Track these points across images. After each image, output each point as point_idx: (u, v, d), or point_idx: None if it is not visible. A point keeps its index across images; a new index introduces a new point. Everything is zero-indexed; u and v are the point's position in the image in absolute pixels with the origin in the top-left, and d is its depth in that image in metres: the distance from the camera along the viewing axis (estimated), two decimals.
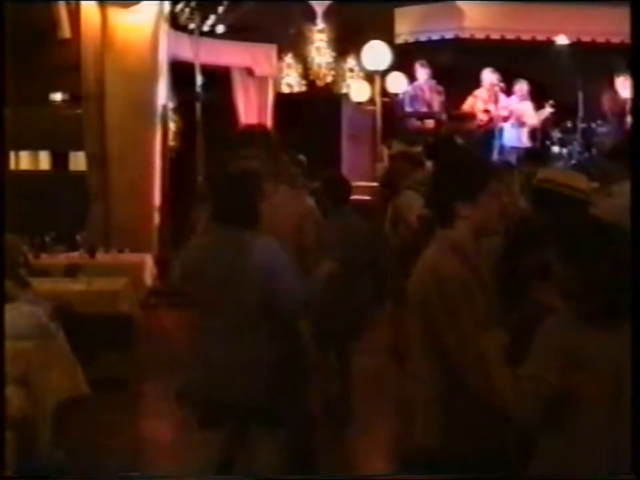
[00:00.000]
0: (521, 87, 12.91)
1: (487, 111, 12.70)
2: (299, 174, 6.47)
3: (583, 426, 3.00)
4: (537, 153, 11.33)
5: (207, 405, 4.44)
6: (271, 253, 4.32)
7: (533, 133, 12.99)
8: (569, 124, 12.95)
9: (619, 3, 13.40)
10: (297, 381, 4.56)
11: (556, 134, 12.99)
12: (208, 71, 11.99)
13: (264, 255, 4.28)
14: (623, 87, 12.55)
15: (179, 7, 11.67)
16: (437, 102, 13.06)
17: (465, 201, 3.25)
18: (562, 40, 13.23)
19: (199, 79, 11.63)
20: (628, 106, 12.52)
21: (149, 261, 9.83)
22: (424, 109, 13.10)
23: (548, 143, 12.97)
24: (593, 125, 12.93)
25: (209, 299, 4.36)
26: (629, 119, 12.48)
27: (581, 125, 12.82)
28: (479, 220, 3.29)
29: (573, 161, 12.65)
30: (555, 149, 12.91)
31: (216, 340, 4.34)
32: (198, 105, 11.62)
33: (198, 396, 4.45)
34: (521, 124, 12.83)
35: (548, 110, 12.82)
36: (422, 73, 13.09)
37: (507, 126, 12.84)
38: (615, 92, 12.68)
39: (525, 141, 12.87)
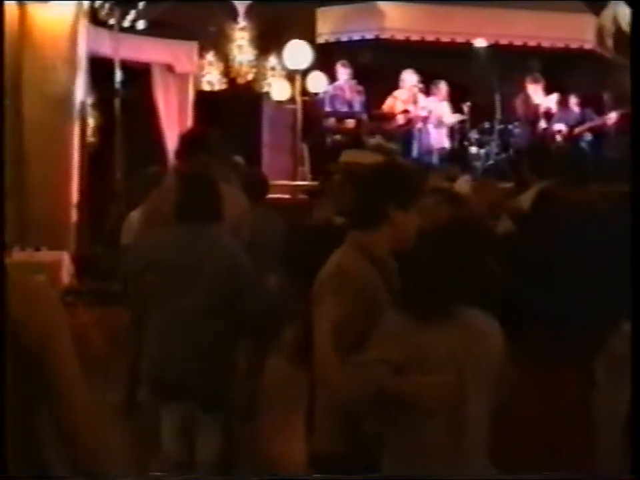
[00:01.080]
0: (440, 87, 13.04)
1: (406, 112, 12.80)
2: (236, 174, 6.49)
3: (427, 424, 2.97)
4: (456, 154, 11.48)
5: (164, 385, 4.69)
6: (236, 246, 4.73)
7: (452, 134, 13.15)
8: (486, 125, 13.13)
9: (537, 7, 13.80)
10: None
11: (474, 135, 13.17)
12: (128, 67, 11.88)
13: (231, 247, 4.67)
14: (535, 91, 12.79)
15: (99, 2, 11.54)
16: (357, 102, 13.11)
17: (398, 208, 3.27)
18: (480, 42, 13.43)
19: (119, 75, 11.51)
20: (541, 110, 12.78)
21: (66, 258, 9.70)
22: (344, 109, 13.13)
23: (466, 143, 13.13)
24: (510, 126, 13.14)
25: (175, 286, 4.57)
26: (542, 123, 12.74)
27: (497, 126, 13.00)
28: (401, 230, 3.30)
29: (491, 162, 12.85)
30: (473, 149, 13.08)
31: (177, 325, 4.59)
32: (117, 101, 11.51)
33: (157, 376, 4.73)
34: (441, 124, 12.97)
35: (465, 111, 12.99)
36: (343, 72, 13.13)
37: (429, 126, 12.96)
38: (528, 95, 12.88)
39: (445, 142, 13.01)
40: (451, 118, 13.00)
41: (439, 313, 3.01)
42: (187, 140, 5.76)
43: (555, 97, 12.95)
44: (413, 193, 3.35)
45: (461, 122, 13.14)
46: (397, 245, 3.29)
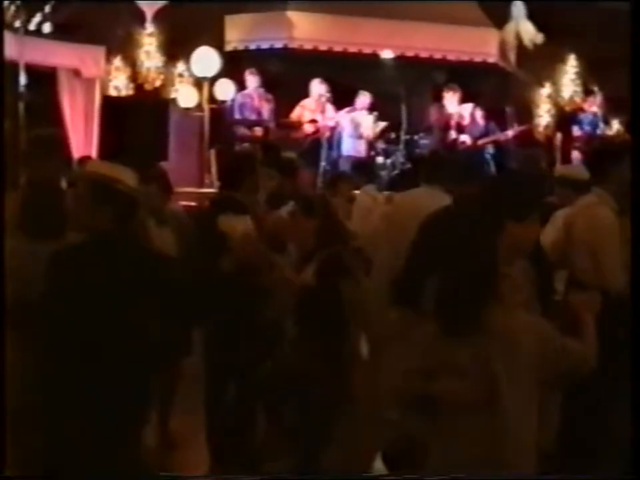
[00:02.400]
0: (363, 98, 13.15)
1: (313, 121, 12.89)
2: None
3: (461, 429, 3.19)
4: (362, 164, 11.58)
5: None
6: None
7: (369, 144, 13.26)
8: (392, 135, 13.30)
9: (442, 20, 14.05)
10: None
11: (380, 145, 13.32)
12: (33, 70, 11.70)
13: None
14: (449, 101, 13.01)
15: (5, 4, 11.34)
16: (266, 110, 13.14)
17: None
18: (387, 54, 13.58)
19: (23, 79, 11.33)
20: (453, 120, 12.99)
21: None
22: (253, 117, 13.16)
23: (373, 153, 13.27)
24: (416, 137, 13.33)
25: None
26: (452, 133, 12.96)
27: (404, 137, 13.17)
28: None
29: (396, 171, 13.00)
30: (380, 159, 13.22)
31: None
32: (21, 105, 11.32)
33: None
34: (359, 135, 13.07)
35: (383, 123, 13.13)
36: (251, 80, 13.15)
37: (345, 136, 13.06)
38: (441, 105, 13.09)
39: (362, 151, 13.11)
40: (369, 129, 13.08)
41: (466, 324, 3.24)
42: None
43: (468, 107, 13.18)
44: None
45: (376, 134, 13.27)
46: None
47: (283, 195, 6.07)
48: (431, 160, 6.82)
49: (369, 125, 13.06)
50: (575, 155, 13.71)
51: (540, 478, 3.19)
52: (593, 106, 14.23)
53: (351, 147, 13.04)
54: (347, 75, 13.66)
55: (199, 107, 13.60)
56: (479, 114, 13.31)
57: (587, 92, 15.10)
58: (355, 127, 13.01)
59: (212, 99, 13.49)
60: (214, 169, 13.01)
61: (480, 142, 13.00)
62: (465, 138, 12.92)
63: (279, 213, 4.95)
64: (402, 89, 12.89)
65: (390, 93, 12.99)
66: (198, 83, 13.63)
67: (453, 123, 12.94)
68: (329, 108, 13.09)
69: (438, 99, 13.24)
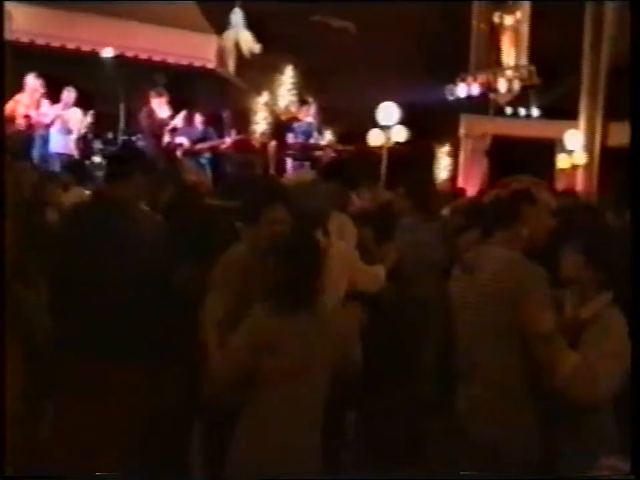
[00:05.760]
0: (69, 94, 12.90)
1: (27, 117, 12.53)
2: None
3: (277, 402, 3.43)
4: (74, 163, 11.38)
5: None
6: None
7: (79, 142, 13.02)
8: (110, 135, 13.18)
9: (162, 23, 14.06)
10: None
11: (97, 144, 13.16)
12: None
13: None
14: (160, 105, 13.04)
15: None
16: None
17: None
18: (107, 52, 13.41)
19: None
20: (166, 124, 13.05)
21: None
22: None
23: (89, 152, 13.08)
24: (134, 138, 13.27)
25: None
26: (166, 137, 13.03)
27: (121, 137, 13.08)
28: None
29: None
30: (97, 159, 13.02)
31: None
32: None
33: None
34: (68, 131, 12.81)
35: (88, 119, 12.95)
36: None
37: (53, 132, 12.75)
38: (152, 109, 13.09)
39: (72, 149, 12.87)
40: (78, 125, 12.86)
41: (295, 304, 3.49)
42: None
43: (181, 113, 13.27)
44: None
45: (87, 130, 13.08)
46: None
47: None
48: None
49: (76, 121, 12.87)
50: (289, 162, 14.21)
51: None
52: (308, 116, 14.77)
53: (60, 144, 12.77)
54: (66, 71, 13.36)
55: None
56: (198, 119, 13.47)
57: (302, 102, 15.67)
58: (63, 123, 12.76)
59: None
60: None
61: (198, 147, 13.16)
62: (183, 141, 13.03)
63: None
64: (121, 89, 12.79)
65: (109, 92, 12.86)
66: None
67: (166, 126, 13.01)
68: (45, 103, 12.77)
69: (148, 102, 13.20)
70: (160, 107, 12.98)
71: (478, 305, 3.49)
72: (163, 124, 12.98)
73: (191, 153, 13.00)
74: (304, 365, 3.44)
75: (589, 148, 19.19)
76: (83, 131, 13.01)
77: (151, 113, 12.99)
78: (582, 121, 19.42)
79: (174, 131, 13.07)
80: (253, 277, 3.70)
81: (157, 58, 14.39)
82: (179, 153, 12.87)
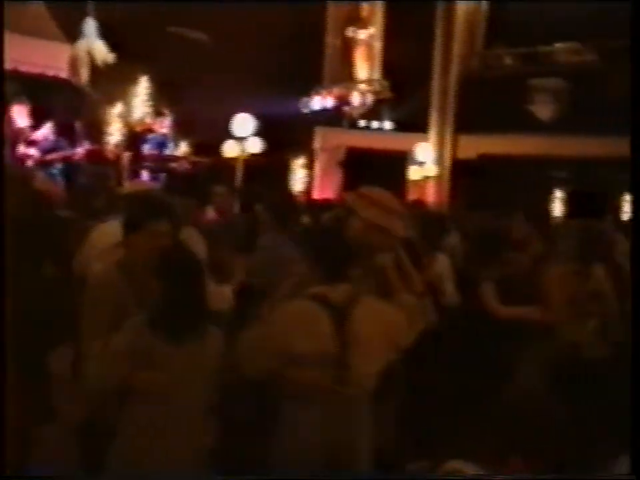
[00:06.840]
0: None
1: None
2: None
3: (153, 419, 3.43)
4: None
5: None
6: None
7: None
8: None
9: (14, 31, 13.73)
10: None
11: None
12: None
13: None
14: (20, 114, 12.80)
15: None
16: None
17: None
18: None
19: None
20: (22, 133, 12.80)
21: None
22: None
23: None
24: None
25: None
26: (22, 147, 12.76)
27: None
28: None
29: None
30: None
31: None
32: None
33: None
34: None
35: None
36: None
37: None
38: (11, 119, 12.85)
39: None
40: None
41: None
42: None
43: (47, 124, 13.04)
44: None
45: None
46: None
47: None
48: None
49: None
50: (144, 173, 14.13)
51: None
52: (163, 127, 14.73)
53: None
54: None
55: None
56: (50, 129, 13.26)
57: (158, 113, 15.60)
58: None
59: None
60: None
61: (49, 157, 12.94)
62: (34, 152, 12.81)
63: None
64: None
65: None
66: None
67: (22, 136, 12.78)
68: None
69: (8, 111, 12.95)
70: (20, 116, 12.72)
71: None
72: (20, 133, 12.72)
73: (42, 163, 12.78)
74: (179, 384, 3.45)
75: (439, 160, 19.75)
76: None
77: (10, 121, 12.74)
78: (432, 134, 19.99)
79: (29, 140, 12.84)
80: (130, 291, 3.72)
81: (8, 66, 13.99)
82: (29, 163, 12.64)
